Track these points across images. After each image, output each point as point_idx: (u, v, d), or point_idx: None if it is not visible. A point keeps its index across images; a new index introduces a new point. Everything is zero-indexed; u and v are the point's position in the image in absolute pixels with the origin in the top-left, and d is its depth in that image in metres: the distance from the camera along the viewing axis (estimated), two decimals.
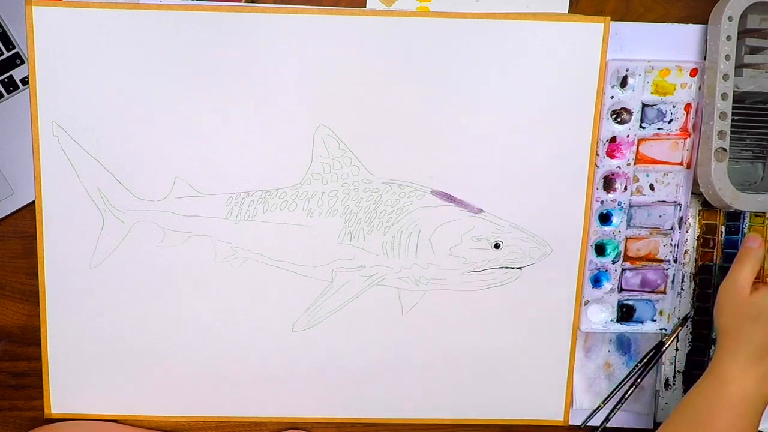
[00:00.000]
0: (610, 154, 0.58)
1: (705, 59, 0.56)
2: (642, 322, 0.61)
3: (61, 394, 0.60)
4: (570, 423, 0.63)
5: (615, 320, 0.61)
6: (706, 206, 0.61)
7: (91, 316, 0.59)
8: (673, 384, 0.62)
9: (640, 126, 0.58)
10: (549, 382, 0.62)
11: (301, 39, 0.55)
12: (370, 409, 0.62)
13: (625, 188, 0.59)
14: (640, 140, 0.58)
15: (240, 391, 0.61)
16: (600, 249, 0.60)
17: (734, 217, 0.61)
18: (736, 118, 0.55)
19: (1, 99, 0.56)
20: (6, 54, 0.56)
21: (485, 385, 0.61)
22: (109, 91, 0.55)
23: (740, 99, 0.56)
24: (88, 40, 0.54)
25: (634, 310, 0.61)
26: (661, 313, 0.61)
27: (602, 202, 0.59)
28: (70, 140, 0.56)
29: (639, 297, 0.61)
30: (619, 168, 0.58)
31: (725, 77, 0.54)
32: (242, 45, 0.55)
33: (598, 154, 0.58)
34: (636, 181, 0.59)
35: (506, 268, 0.59)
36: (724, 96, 0.54)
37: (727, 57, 0.54)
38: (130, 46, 0.55)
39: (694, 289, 0.62)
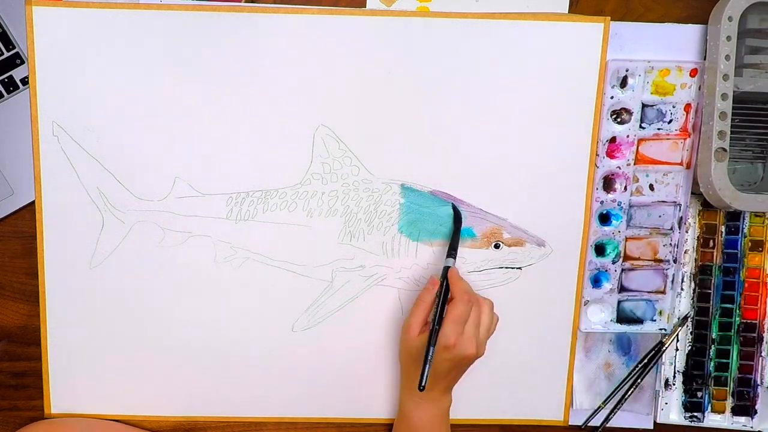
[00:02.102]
0: (610, 155, 0.58)
1: (705, 59, 0.56)
2: (642, 322, 0.61)
3: (61, 394, 0.60)
4: (570, 423, 0.63)
5: (615, 320, 0.61)
6: (706, 206, 0.61)
7: (91, 316, 0.59)
8: (673, 384, 0.62)
9: (640, 126, 0.58)
10: (549, 382, 0.62)
11: (301, 39, 0.55)
12: (370, 409, 0.62)
13: (625, 188, 0.59)
14: (640, 140, 0.58)
15: (240, 391, 0.61)
16: (600, 249, 0.60)
17: (734, 217, 0.61)
18: (736, 118, 0.55)
19: (1, 99, 0.56)
20: (6, 54, 0.56)
21: (485, 385, 0.61)
22: (109, 91, 0.55)
23: (740, 99, 0.56)
24: (88, 40, 0.54)
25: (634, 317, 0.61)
26: (660, 313, 0.61)
27: (602, 202, 0.59)
28: (70, 140, 0.56)
29: (639, 297, 0.61)
30: (619, 168, 0.58)
31: (725, 77, 0.54)
32: (242, 45, 0.55)
33: (598, 154, 0.58)
34: (636, 182, 0.59)
35: (506, 268, 0.59)
36: (724, 96, 0.54)
37: (727, 57, 0.54)
38: (130, 46, 0.55)
39: (694, 289, 0.62)
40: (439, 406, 0.55)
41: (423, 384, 0.49)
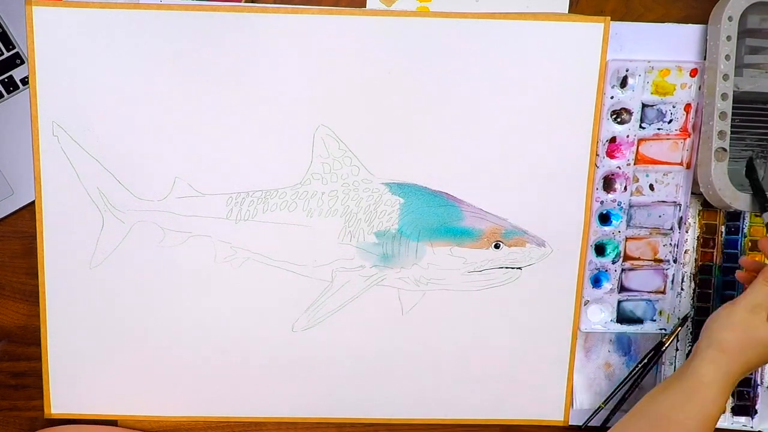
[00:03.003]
0: (610, 155, 0.58)
1: (705, 59, 0.56)
2: (642, 322, 0.61)
3: (61, 394, 0.60)
4: (570, 423, 0.63)
5: (615, 320, 0.61)
6: (706, 206, 0.61)
7: (91, 316, 0.59)
8: None
9: (640, 126, 0.58)
10: (549, 382, 0.62)
11: (301, 39, 0.55)
12: (370, 409, 0.62)
13: (625, 188, 0.59)
14: (640, 140, 0.58)
15: (240, 391, 0.61)
16: (600, 249, 0.60)
17: (734, 217, 0.61)
18: (736, 118, 0.55)
19: (1, 99, 0.56)
20: (6, 54, 0.56)
21: (485, 385, 0.61)
22: (109, 91, 0.55)
23: (740, 99, 0.56)
24: (88, 40, 0.54)
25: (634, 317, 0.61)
26: (660, 313, 0.61)
27: (602, 202, 0.59)
28: (70, 140, 0.56)
29: (639, 297, 0.61)
30: (619, 168, 0.58)
31: (725, 77, 0.54)
32: (242, 45, 0.55)
33: (598, 155, 0.58)
34: (636, 182, 0.59)
35: (506, 268, 0.59)
36: (724, 96, 0.54)
37: (727, 57, 0.54)
38: (130, 46, 0.55)
39: (694, 289, 0.62)
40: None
41: None
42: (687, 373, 0.48)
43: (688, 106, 0.58)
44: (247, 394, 0.61)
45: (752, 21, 0.55)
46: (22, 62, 0.56)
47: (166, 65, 0.55)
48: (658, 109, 0.58)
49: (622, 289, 0.61)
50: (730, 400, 0.62)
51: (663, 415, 0.47)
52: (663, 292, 0.61)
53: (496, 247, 0.59)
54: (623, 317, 0.61)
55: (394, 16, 0.56)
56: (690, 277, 0.62)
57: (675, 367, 0.62)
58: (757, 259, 0.61)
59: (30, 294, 0.59)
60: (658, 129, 0.58)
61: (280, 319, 0.59)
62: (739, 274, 0.55)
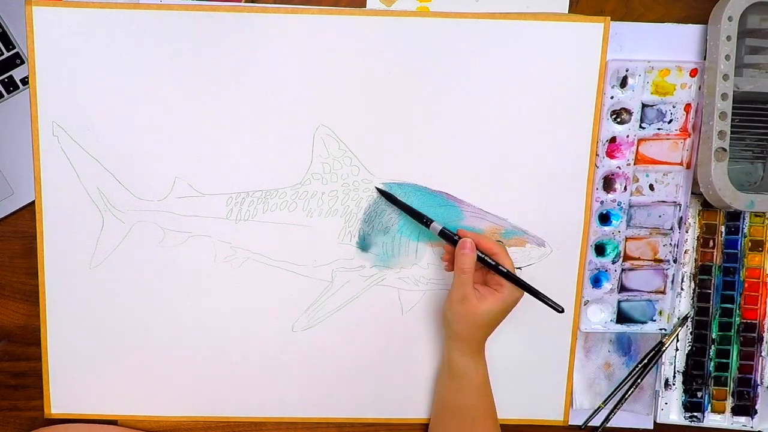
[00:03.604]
0: (610, 155, 0.58)
1: (705, 59, 0.56)
2: (642, 322, 0.61)
3: (61, 394, 0.60)
4: (570, 423, 0.63)
5: (615, 320, 0.61)
6: (706, 206, 0.61)
7: (91, 316, 0.59)
8: (673, 384, 0.62)
9: (640, 126, 0.58)
10: (549, 382, 0.62)
11: (301, 39, 0.55)
12: (370, 409, 0.62)
13: (625, 188, 0.59)
14: (640, 140, 0.58)
15: (240, 391, 0.61)
16: (600, 249, 0.60)
17: (734, 217, 0.61)
18: (736, 118, 0.55)
19: (1, 99, 0.56)
20: (6, 54, 0.56)
21: None
22: (109, 91, 0.55)
23: (740, 99, 0.56)
24: (88, 40, 0.54)
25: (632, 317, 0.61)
26: (660, 313, 0.61)
27: (602, 202, 0.59)
28: (70, 140, 0.56)
29: (639, 297, 0.61)
30: (619, 168, 0.58)
31: (725, 77, 0.54)
32: (242, 45, 0.55)
33: (598, 154, 0.58)
34: (636, 182, 0.59)
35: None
36: (724, 96, 0.54)
37: (727, 57, 0.54)
38: (130, 46, 0.55)
39: (694, 289, 0.62)
40: (485, 361, 0.57)
41: (561, 307, 0.53)
42: (449, 364, 0.56)
43: (688, 106, 0.58)
44: (247, 394, 0.61)
45: (752, 21, 0.55)
46: (22, 62, 0.56)
47: (166, 65, 0.55)
48: (658, 109, 0.58)
49: (622, 289, 0.61)
50: (730, 399, 0.62)
51: (455, 404, 0.56)
52: (663, 292, 0.61)
53: None
54: (623, 317, 0.61)
55: (394, 16, 0.56)
56: (690, 277, 0.62)
57: (675, 367, 0.62)
58: (756, 260, 0.61)
59: (30, 294, 0.59)
60: (658, 129, 0.58)
61: (280, 319, 0.59)
62: (444, 259, 0.58)
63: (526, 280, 0.53)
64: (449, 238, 0.55)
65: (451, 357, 0.56)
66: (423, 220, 0.55)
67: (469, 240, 0.53)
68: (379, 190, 0.57)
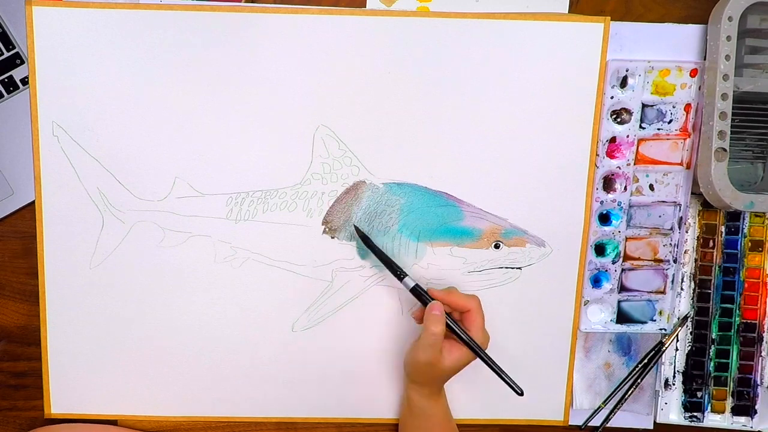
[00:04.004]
0: (610, 155, 0.58)
1: (705, 59, 0.56)
2: (642, 322, 0.61)
3: (61, 394, 0.60)
4: (570, 423, 0.63)
5: (615, 320, 0.61)
6: (706, 206, 0.61)
7: (91, 316, 0.59)
8: (673, 384, 0.62)
9: (640, 126, 0.58)
10: (549, 382, 0.62)
11: (301, 39, 0.55)
12: (370, 409, 0.62)
13: (625, 188, 0.59)
14: (640, 140, 0.58)
15: (240, 391, 0.61)
16: (600, 249, 0.60)
17: (734, 217, 0.61)
18: (736, 118, 0.55)
19: (1, 99, 0.56)
20: (6, 54, 0.56)
21: (485, 385, 0.61)
22: (109, 91, 0.55)
23: (740, 99, 0.56)
24: (88, 40, 0.54)
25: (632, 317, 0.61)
26: (660, 313, 0.61)
27: (602, 202, 0.59)
28: (70, 140, 0.56)
29: (639, 297, 0.61)
30: (619, 168, 0.58)
31: (725, 77, 0.54)
32: (242, 45, 0.55)
33: (598, 155, 0.58)
34: (636, 182, 0.59)
35: (506, 268, 0.59)
36: (724, 96, 0.54)
37: (727, 57, 0.54)
38: (130, 46, 0.55)
39: (694, 289, 0.62)
40: (444, 396, 0.58)
41: (521, 390, 0.53)
42: (408, 403, 0.57)
43: (688, 106, 0.58)
44: (247, 394, 0.61)
45: (752, 21, 0.55)
46: (22, 62, 0.56)
47: (166, 65, 0.55)
48: (658, 109, 0.58)
49: (622, 289, 0.61)
50: (730, 399, 0.62)
51: None
52: (663, 292, 0.61)
53: (496, 247, 0.59)
54: (623, 317, 0.61)
55: (394, 16, 0.56)
56: (690, 277, 0.62)
57: (675, 367, 0.62)
58: (756, 260, 0.61)
59: (30, 294, 0.59)
60: (658, 129, 0.58)
61: (280, 319, 0.59)
62: (414, 314, 0.57)
63: (484, 356, 0.54)
64: (420, 297, 0.54)
65: (410, 397, 0.57)
66: (397, 273, 0.55)
67: (438, 303, 0.53)
68: (358, 230, 0.57)
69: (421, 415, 0.56)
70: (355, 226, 0.57)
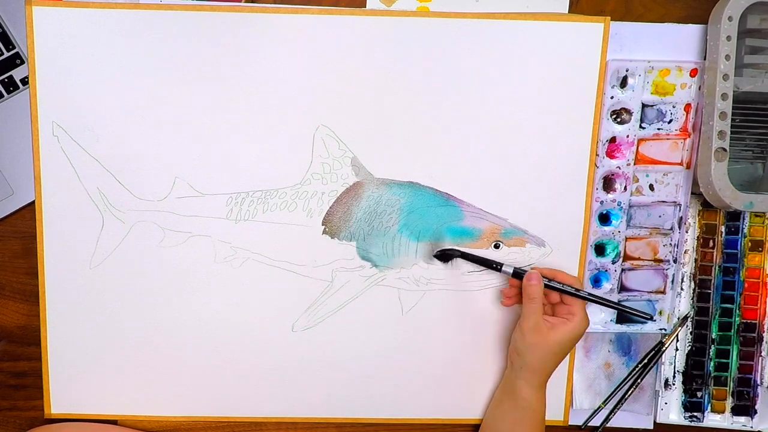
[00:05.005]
0: (610, 155, 0.58)
1: (705, 59, 0.56)
2: (642, 323, 0.61)
3: (61, 394, 0.60)
4: (570, 423, 0.63)
5: (615, 320, 0.61)
6: (706, 206, 0.61)
7: (91, 316, 0.59)
8: (673, 384, 0.62)
9: (640, 126, 0.58)
10: (549, 382, 0.62)
11: (301, 39, 0.55)
12: (370, 409, 0.62)
13: (625, 188, 0.59)
14: (640, 140, 0.58)
15: (240, 391, 0.61)
16: (600, 249, 0.60)
17: (734, 217, 0.61)
18: (736, 118, 0.55)
19: (1, 99, 0.56)
20: (6, 54, 0.56)
21: (485, 385, 0.61)
22: (109, 91, 0.55)
23: (740, 99, 0.56)
24: (88, 40, 0.54)
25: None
26: (660, 313, 0.61)
27: (602, 202, 0.59)
28: (70, 140, 0.56)
29: (639, 297, 0.61)
30: (619, 168, 0.58)
31: (725, 77, 0.54)
32: (242, 45, 0.55)
33: (597, 155, 0.58)
34: (636, 182, 0.59)
35: None
36: (724, 96, 0.54)
37: (727, 57, 0.54)
38: (130, 46, 0.55)
39: (694, 289, 0.62)
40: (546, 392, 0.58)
41: (650, 316, 0.56)
42: (513, 392, 0.57)
43: (688, 106, 0.58)
44: (247, 394, 0.61)
45: (752, 21, 0.55)
46: (22, 62, 0.56)
47: (166, 65, 0.55)
48: (658, 109, 0.58)
49: (622, 289, 0.61)
50: (730, 399, 0.62)
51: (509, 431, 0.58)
52: (663, 292, 0.61)
53: (496, 246, 0.59)
54: (623, 317, 0.61)
55: (394, 16, 0.56)
56: (690, 277, 0.62)
57: (675, 367, 0.62)
58: (756, 260, 0.61)
59: (30, 294, 0.59)
60: (658, 129, 0.58)
61: (280, 319, 0.59)
62: (504, 302, 0.59)
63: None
64: (518, 275, 0.56)
65: (519, 388, 0.56)
66: (494, 267, 0.57)
67: (535, 272, 0.55)
68: (445, 252, 0.58)
69: (527, 409, 0.56)
70: (440, 252, 0.58)
